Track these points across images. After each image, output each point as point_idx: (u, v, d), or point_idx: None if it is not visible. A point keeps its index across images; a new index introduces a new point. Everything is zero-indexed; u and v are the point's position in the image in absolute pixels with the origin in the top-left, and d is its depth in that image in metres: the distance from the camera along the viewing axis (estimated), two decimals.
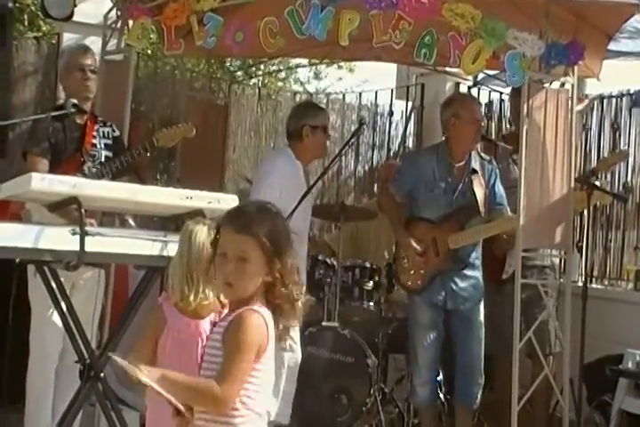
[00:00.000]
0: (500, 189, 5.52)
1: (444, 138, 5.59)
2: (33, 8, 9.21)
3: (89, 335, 4.19)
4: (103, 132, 5.13)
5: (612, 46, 5.72)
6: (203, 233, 3.44)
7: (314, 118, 5.51)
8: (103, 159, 5.03)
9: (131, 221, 4.94)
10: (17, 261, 3.87)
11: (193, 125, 5.33)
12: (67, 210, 3.85)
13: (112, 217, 5.08)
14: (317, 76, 13.03)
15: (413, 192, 5.50)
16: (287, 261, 2.66)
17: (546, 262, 5.74)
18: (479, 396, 5.41)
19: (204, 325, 3.40)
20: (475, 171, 5.44)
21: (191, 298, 3.38)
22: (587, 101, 6.75)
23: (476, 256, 5.47)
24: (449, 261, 5.39)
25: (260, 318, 2.61)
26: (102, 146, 5.08)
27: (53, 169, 4.75)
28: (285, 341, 2.76)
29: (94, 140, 5.05)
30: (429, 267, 5.42)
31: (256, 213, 2.67)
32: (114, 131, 5.22)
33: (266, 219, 2.66)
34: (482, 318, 5.41)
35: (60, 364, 4.87)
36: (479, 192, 5.40)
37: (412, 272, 5.46)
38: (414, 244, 5.42)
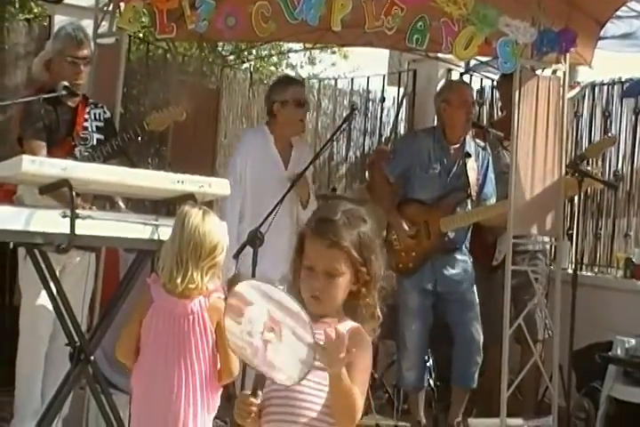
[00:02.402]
0: (490, 178, 5.53)
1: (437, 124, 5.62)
2: None
3: (79, 319, 4.19)
4: (95, 114, 5.09)
5: None
6: (197, 217, 3.47)
7: (281, 94, 5.36)
8: (95, 142, 5.00)
9: (121, 204, 4.92)
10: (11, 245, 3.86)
11: (184, 109, 5.29)
12: (60, 193, 3.84)
13: (103, 200, 5.06)
14: (311, 62, 12.99)
15: (408, 173, 5.49)
16: (373, 268, 2.54)
17: (537, 247, 5.75)
18: (476, 376, 5.42)
19: (192, 305, 3.42)
20: (469, 154, 5.45)
21: (178, 280, 3.41)
22: (578, 88, 6.75)
23: (465, 241, 5.49)
24: (440, 244, 5.40)
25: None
26: (94, 128, 5.04)
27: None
28: None
29: (86, 124, 5.01)
30: (420, 249, 5.42)
31: (345, 223, 2.46)
32: (105, 112, 5.16)
33: (355, 228, 2.48)
34: (476, 299, 5.41)
35: (50, 347, 4.85)
36: (472, 175, 5.41)
37: (404, 254, 5.46)
38: (405, 225, 5.42)
